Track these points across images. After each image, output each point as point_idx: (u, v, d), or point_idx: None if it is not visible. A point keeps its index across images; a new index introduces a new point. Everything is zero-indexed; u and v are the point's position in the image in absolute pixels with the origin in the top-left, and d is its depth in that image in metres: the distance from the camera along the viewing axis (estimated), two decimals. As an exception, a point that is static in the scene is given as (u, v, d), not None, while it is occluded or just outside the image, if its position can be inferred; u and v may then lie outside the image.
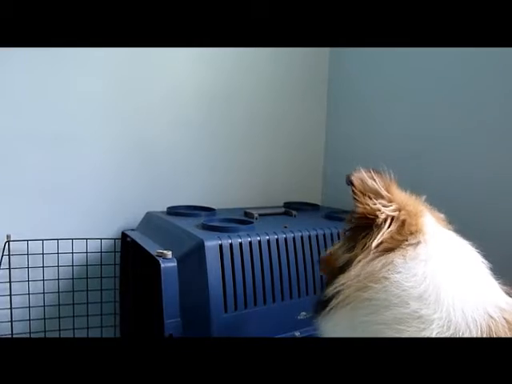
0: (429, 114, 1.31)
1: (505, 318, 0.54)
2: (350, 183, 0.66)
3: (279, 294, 1.04)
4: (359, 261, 0.62)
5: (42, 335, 1.22)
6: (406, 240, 0.61)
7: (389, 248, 0.61)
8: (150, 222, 1.26)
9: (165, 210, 1.29)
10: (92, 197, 1.28)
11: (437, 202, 1.20)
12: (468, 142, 1.21)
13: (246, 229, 1.07)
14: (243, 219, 1.20)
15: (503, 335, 0.52)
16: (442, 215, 0.71)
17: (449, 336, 0.53)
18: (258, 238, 1.04)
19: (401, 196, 0.66)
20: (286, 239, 1.08)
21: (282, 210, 1.38)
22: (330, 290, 0.62)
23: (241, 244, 1.01)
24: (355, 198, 0.64)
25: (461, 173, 1.22)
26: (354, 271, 0.61)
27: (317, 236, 1.12)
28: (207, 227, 1.07)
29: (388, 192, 0.64)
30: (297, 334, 1.03)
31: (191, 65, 1.40)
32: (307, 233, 1.11)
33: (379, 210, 0.62)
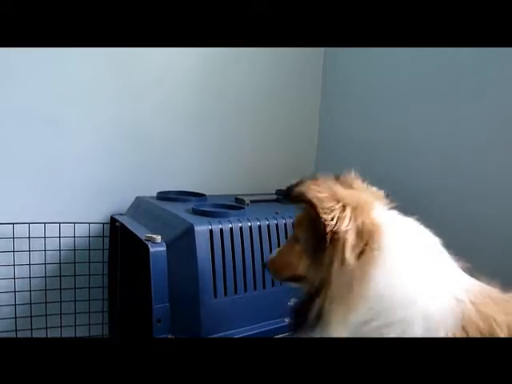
0: (421, 109, 1.31)
1: (470, 300, 0.60)
2: (305, 201, 0.64)
3: (269, 280, 1.04)
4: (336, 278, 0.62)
5: (27, 320, 1.20)
6: (367, 243, 0.62)
7: (355, 254, 0.62)
8: (139, 206, 1.24)
9: (155, 195, 1.27)
10: (80, 180, 1.25)
11: (427, 192, 1.21)
12: (460, 134, 1.20)
13: (237, 214, 1.06)
14: (234, 205, 1.18)
15: (473, 316, 0.59)
16: (380, 192, 0.72)
17: (433, 329, 0.58)
18: (249, 224, 1.02)
19: (346, 196, 0.65)
20: (277, 225, 1.07)
21: (274, 196, 1.36)
22: (313, 313, 0.64)
23: (231, 229, 1.00)
24: (319, 216, 0.62)
25: (450, 164, 1.22)
26: (335, 291, 0.62)
27: (308, 222, 1.11)
28: (197, 212, 1.05)
29: (338, 199, 0.64)
30: (286, 320, 1.02)
31: (183, 50, 1.36)
32: (299, 219, 1.10)
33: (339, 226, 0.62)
